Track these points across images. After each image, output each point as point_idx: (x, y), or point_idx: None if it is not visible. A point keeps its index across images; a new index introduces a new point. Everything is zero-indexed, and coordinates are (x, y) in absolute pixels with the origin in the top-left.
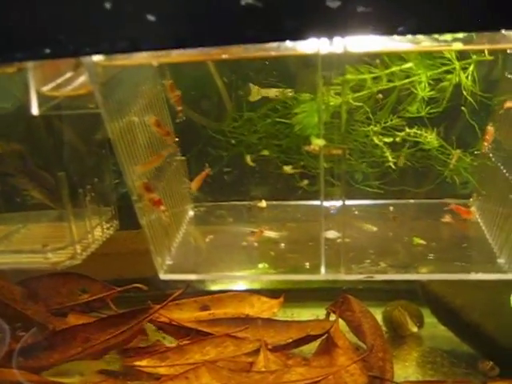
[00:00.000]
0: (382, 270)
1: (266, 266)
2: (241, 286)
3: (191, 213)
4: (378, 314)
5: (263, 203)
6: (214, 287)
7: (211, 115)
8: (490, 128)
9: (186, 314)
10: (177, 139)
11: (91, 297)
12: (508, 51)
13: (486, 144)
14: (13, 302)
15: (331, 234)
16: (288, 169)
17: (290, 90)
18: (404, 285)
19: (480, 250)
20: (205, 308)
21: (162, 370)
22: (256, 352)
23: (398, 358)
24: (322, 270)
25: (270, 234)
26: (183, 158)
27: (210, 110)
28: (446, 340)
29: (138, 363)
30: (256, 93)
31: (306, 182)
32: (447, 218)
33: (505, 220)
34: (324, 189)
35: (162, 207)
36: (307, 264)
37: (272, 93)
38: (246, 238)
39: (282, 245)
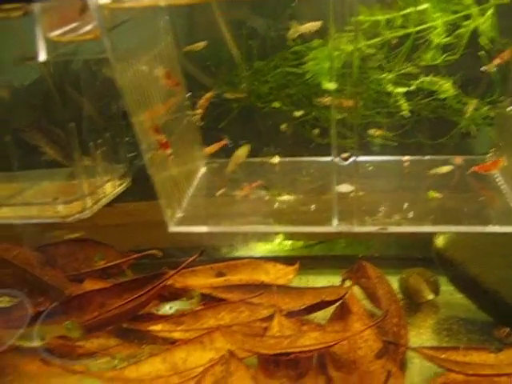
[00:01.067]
0: (395, 223)
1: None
2: (257, 253)
3: (203, 168)
4: (394, 282)
5: (275, 159)
6: (231, 255)
7: (223, 66)
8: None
9: (201, 281)
10: (189, 93)
11: (107, 263)
12: None
13: (497, 62)
14: (30, 267)
15: (344, 187)
16: (298, 114)
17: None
18: (420, 252)
19: (496, 204)
20: (220, 274)
21: (176, 335)
22: (270, 318)
23: (413, 324)
24: (335, 222)
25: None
26: (196, 112)
27: (222, 61)
28: (463, 308)
29: (152, 327)
30: (294, 30)
31: (317, 131)
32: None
33: None
34: (336, 141)
35: (169, 150)
36: (319, 216)
37: (311, 27)
38: (256, 192)
39: (294, 198)
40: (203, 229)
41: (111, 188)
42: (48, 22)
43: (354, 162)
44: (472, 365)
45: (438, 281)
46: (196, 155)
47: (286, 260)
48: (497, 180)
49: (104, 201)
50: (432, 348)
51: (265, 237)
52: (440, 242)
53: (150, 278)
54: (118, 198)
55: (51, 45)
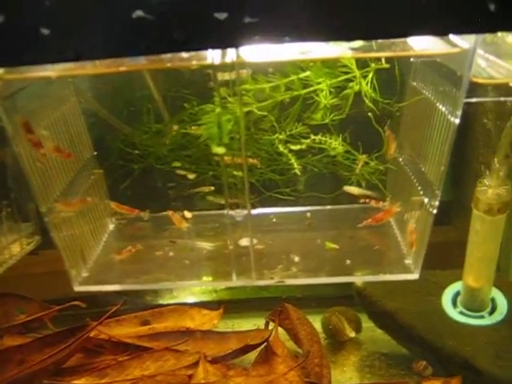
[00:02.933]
0: (292, 275)
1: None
2: (183, 299)
3: (111, 225)
4: (317, 322)
5: (188, 213)
6: (155, 302)
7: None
8: (389, 133)
9: (126, 330)
10: (95, 153)
11: (28, 317)
12: (411, 59)
13: (390, 151)
14: None
15: (245, 241)
16: (192, 176)
17: None
18: (342, 291)
19: (390, 252)
20: (145, 323)
21: None
22: (196, 364)
23: (336, 363)
24: (233, 276)
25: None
26: (101, 171)
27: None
28: (384, 343)
29: (76, 382)
30: None
31: (212, 189)
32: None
33: (412, 222)
34: (230, 197)
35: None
36: (220, 271)
37: None
38: (164, 248)
39: (199, 254)
40: (108, 287)
41: (18, 248)
42: None
43: (248, 216)
44: None
45: (360, 318)
46: (103, 212)
47: (211, 305)
48: (393, 227)
49: (11, 262)
50: None
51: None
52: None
53: (72, 330)
54: (43, 246)
55: None
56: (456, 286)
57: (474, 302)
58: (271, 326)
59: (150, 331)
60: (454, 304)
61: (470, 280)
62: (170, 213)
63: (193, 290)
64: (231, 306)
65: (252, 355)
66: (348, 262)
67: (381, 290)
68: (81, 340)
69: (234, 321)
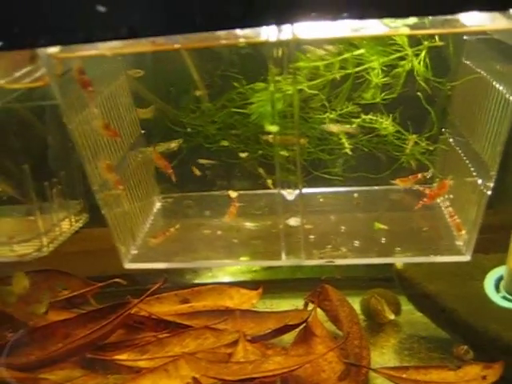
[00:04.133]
0: (342, 255)
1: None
2: (221, 278)
3: (158, 204)
4: (356, 303)
5: (233, 193)
6: (195, 280)
7: (171, 106)
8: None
9: (166, 308)
10: (143, 131)
11: (72, 293)
12: (464, 37)
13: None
14: None
15: (293, 221)
16: (244, 155)
17: None
18: (381, 273)
19: (441, 234)
20: (185, 301)
21: (141, 363)
22: (235, 343)
23: (375, 345)
24: (283, 255)
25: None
26: (148, 149)
27: (170, 101)
28: (423, 326)
29: (118, 357)
30: None
31: (261, 170)
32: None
33: (462, 203)
34: (281, 177)
35: (120, 187)
36: (269, 250)
37: None
38: (210, 227)
39: (247, 233)
40: (156, 265)
41: (68, 225)
42: None
43: (300, 195)
44: (432, 383)
45: (399, 301)
46: (151, 191)
47: (250, 284)
48: (443, 210)
49: (61, 239)
50: (393, 368)
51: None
52: (400, 262)
53: (114, 307)
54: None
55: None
56: (499, 271)
57: None
58: (310, 306)
59: (189, 309)
60: (497, 288)
61: None
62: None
63: (231, 270)
64: (269, 286)
65: (291, 335)
66: (397, 242)
67: (421, 272)
68: (123, 316)
69: (273, 301)
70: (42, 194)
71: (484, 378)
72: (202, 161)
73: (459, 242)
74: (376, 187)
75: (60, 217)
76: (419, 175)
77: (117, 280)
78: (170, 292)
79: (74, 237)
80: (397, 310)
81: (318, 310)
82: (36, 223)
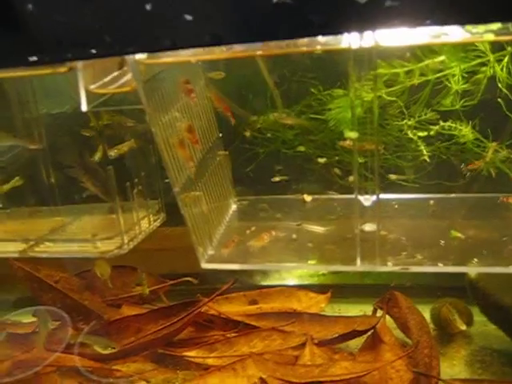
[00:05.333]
0: (417, 262)
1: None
2: (289, 281)
3: (234, 206)
4: (426, 312)
5: (308, 197)
6: (263, 282)
7: (249, 112)
8: None
9: (234, 308)
10: (220, 135)
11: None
12: None
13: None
14: (71, 292)
15: (368, 226)
16: (322, 160)
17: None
18: (453, 282)
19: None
20: (253, 302)
21: (210, 361)
22: (302, 346)
23: (445, 355)
24: (358, 261)
25: (312, 227)
26: (226, 152)
27: (249, 108)
28: (496, 339)
29: (187, 354)
30: None
31: (338, 172)
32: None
33: None
34: (358, 183)
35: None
36: (344, 255)
37: None
38: (286, 230)
39: (321, 237)
40: (234, 266)
41: (147, 224)
42: (89, 76)
43: (376, 201)
44: None
45: (471, 311)
46: (227, 193)
47: (319, 288)
48: None
49: (140, 237)
50: (464, 380)
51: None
52: (473, 271)
53: (184, 304)
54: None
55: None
56: None
57: None
58: (379, 313)
59: (257, 311)
60: None
61: None
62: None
63: (299, 273)
64: (338, 290)
65: (358, 341)
66: (474, 251)
67: (495, 283)
68: (193, 314)
69: (341, 306)
70: (124, 193)
71: None
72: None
73: None
74: (453, 195)
75: (140, 216)
76: None
77: (188, 278)
78: (239, 292)
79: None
80: (469, 321)
81: (387, 316)
82: (118, 222)
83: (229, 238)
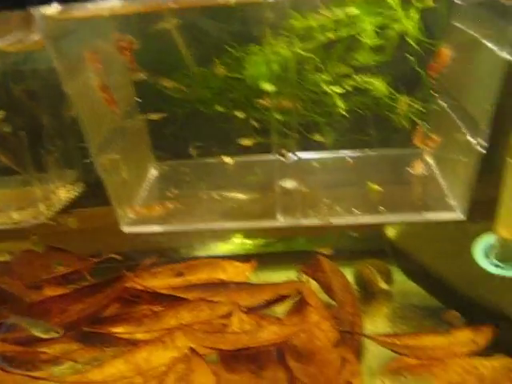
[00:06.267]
0: (338, 214)
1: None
2: (215, 253)
3: (154, 171)
4: (349, 275)
5: (228, 158)
6: (189, 255)
7: (166, 73)
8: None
9: (160, 282)
10: (139, 100)
11: (67, 269)
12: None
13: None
14: None
15: (288, 183)
16: (241, 116)
17: None
18: (373, 246)
19: (434, 194)
20: (179, 275)
21: (138, 336)
22: (230, 315)
23: (368, 313)
24: (279, 216)
25: (232, 195)
26: (145, 117)
27: (165, 68)
28: (415, 295)
29: (114, 330)
30: None
31: (257, 131)
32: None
33: (456, 163)
34: (277, 140)
35: (116, 109)
36: (265, 212)
37: None
38: (207, 192)
39: (241, 196)
40: (155, 228)
41: (65, 193)
42: None
43: (295, 159)
44: (424, 349)
45: (391, 271)
46: (146, 158)
47: (244, 258)
48: (436, 173)
49: (58, 206)
50: (386, 335)
51: (223, 237)
52: (391, 233)
53: (109, 281)
54: (76, 204)
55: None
56: (488, 238)
57: (506, 253)
58: (304, 278)
59: (184, 283)
60: (487, 255)
61: (502, 231)
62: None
63: (225, 245)
64: (262, 259)
65: (284, 307)
66: (391, 202)
67: (413, 242)
68: (118, 290)
69: (266, 274)
70: (39, 163)
71: (474, 342)
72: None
73: (454, 202)
74: (369, 150)
75: (56, 185)
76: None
77: (112, 256)
78: (165, 266)
79: (67, 216)
80: (389, 280)
81: (312, 281)
82: (33, 191)
83: (149, 202)
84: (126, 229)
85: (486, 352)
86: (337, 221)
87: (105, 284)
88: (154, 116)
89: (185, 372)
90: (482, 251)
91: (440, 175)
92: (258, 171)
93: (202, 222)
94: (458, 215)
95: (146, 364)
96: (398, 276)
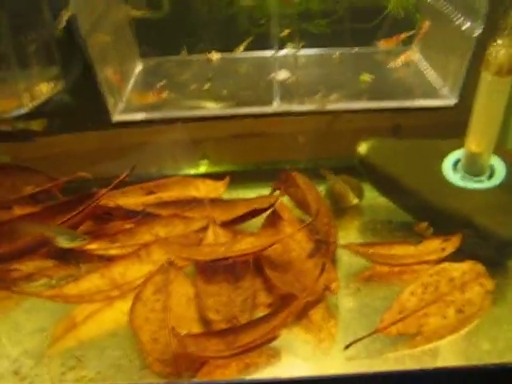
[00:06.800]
0: (332, 101)
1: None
2: (185, 171)
3: (140, 65)
4: (320, 191)
5: (214, 55)
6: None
7: None
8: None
9: (132, 200)
10: None
11: (36, 189)
12: None
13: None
14: None
15: (283, 73)
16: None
17: None
18: (344, 163)
19: (423, 84)
20: (150, 193)
21: (113, 252)
22: (205, 229)
23: (340, 227)
24: (275, 103)
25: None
26: (130, 9)
27: None
28: (386, 210)
29: (88, 246)
30: None
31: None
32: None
33: (448, 51)
34: (274, 32)
35: None
36: (261, 98)
37: None
38: (194, 84)
39: (234, 86)
40: (147, 116)
41: (46, 88)
42: None
43: (291, 52)
44: (396, 257)
45: (362, 186)
46: (132, 52)
47: (216, 177)
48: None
49: (42, 98)
50: (360, 244)
51: (192, 161)
52: (363, 148)
53: (81, 199)
54: (41, 133)
55: None
56: (457, 154)
57: (474, 167)
58: (277, 193)
59: (156, 200)
60: (455, 169)
61: (472, 145)
62: None
63: (196, 165)
64: (234, 177)
65: (258, 223)
66: (384, 91)
67: (383, 157)
68: (90, 207)
69: (239, 191)
70: (21, 59)
71: (443, 249)
72: None
73: (445, 90)
74: (357, 48)
75: (38, 79)
76: (402, 35)
77: (82, 173)
78: (135, 185)
79: (32, 144)
80: (360, 195)
81: (285, 197)
82: (15, 84)
83: (138, 93)
84: (118, 117)
85: (455, 258)
86: (332, 107)
87: (76, 201)
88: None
89: (163, 283)
90: (451, 166)
91: (430, 66)
92: (252, 65)
93: (194, 108)
94: (450, 101)
95: (122, 278)
96: (369, 192)
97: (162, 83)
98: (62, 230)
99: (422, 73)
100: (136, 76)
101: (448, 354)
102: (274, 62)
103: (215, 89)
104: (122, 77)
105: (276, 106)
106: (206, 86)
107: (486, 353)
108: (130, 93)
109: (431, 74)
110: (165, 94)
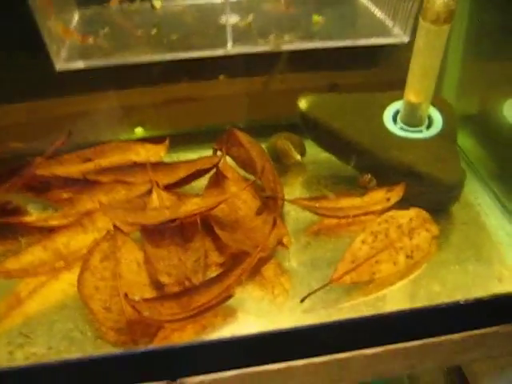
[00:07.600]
0: (287, 42)
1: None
2: (123, 137)
3: (76, 15)
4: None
5: (158, 1)
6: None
7: None
8: None
9: (69, 169)
10: None
11: None
12: None
13: None
14: None
15: (234, 18)
16: None
17: None
18: (285, 120)
19: (375, 24)
20: (88, 161)
21: (54, 222)
22: (148, 194)
23: (285, 183)
24: (229, 45)
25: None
26: None
27: None
28: (328, 164)
29: (25, 219)
30: None
31: None
32: None
33: None
34: None
35: None
36: (213, 42)
37: None
38: (139, 31)
39: (183, 29)
40: (92, 63)
41: None
42: None
43: None
44: (342, 209)
45: (304, 143)
46: (69, 3)
47: (154, 141)
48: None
49: None
50: (306, 198)
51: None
52: (303, 104)
53: (15, 170)
54: None
55: None
56: (396, 105)
57: (413, 118)
58: (219, 153)
59: (95, 167)
60: (395, 121)
61: (410, 96)
62: None
63: (134, 130)
64: (174, 140)
65: (202, 185)
66: (338, 30)
67: (324, 112)
68: (25, 178)
69: (180, 154)
70: None
71: (388, 199)
72: None
73: (397, 29)
74: None
75: None
76: None
77: (14, 144)
78: (71, 154)
79: None
80: (302, 152)
81: (228, 158)
82: None
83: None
84: (63, 65)
85: (400, 206)
86: (286, 47)
87: (10, 173)
88: None
89: (110, 250)
90: (391, 117)
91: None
92: (199, 12)
93: (142, 54)
94: (402, 39)
95: (67, 248)
96: (312, 148)
97: (104, 31)
98: (32, 199)
99: (373, 13)
100: (74, 26)
101: (401, 298)
102: (223, 6)
103: (163, 35)
104: (64, 26)
105: (229, 48)
106: (153, 32)
107: (437, 294)
108: (69, 43)
109: (381, 15)
110: (105, 42)
